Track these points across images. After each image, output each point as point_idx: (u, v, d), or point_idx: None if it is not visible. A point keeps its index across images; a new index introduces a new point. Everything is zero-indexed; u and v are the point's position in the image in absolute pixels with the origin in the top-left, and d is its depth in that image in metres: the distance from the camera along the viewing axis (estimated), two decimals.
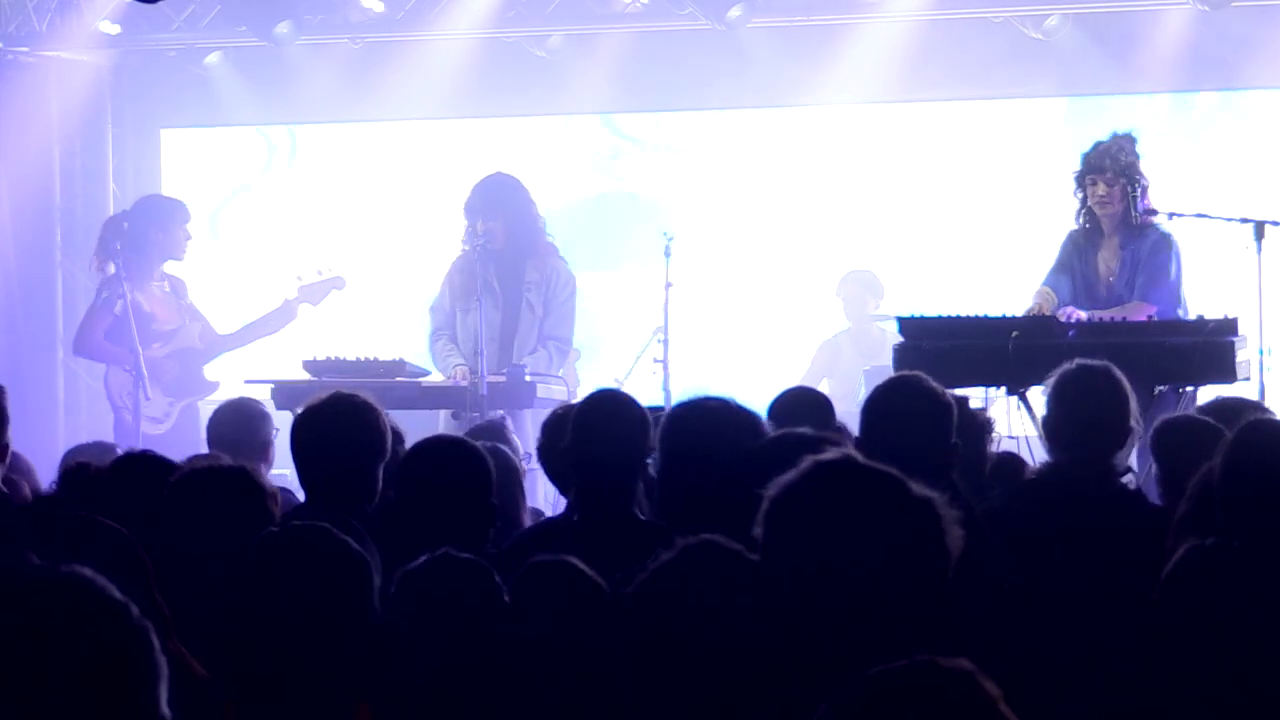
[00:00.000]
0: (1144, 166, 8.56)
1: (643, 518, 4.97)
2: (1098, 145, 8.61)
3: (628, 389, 10.22)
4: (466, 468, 4.92)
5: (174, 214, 11.09)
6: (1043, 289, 8.55)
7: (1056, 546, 4.93)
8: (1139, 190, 8.44)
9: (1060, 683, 4.35)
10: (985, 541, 4.63)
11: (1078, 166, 8.65)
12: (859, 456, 3.15)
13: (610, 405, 5.21)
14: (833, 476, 3.07)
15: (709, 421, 4.68)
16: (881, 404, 5.11)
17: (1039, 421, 5.72)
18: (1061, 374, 5.42)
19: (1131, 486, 5.49)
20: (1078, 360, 5.49)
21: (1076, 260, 8.61)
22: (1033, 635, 4.52)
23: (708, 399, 4.81)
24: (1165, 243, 8.53)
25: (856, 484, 3.05)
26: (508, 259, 9.92)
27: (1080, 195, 8.64)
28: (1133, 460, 7.20)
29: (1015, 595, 4.62)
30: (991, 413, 7.25)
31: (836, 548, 2.97)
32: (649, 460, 4.99)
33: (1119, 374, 5.38)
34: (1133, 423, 5.35)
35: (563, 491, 5.61)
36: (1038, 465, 5.55)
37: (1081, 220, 8.64)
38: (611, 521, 4.88)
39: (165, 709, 2.40)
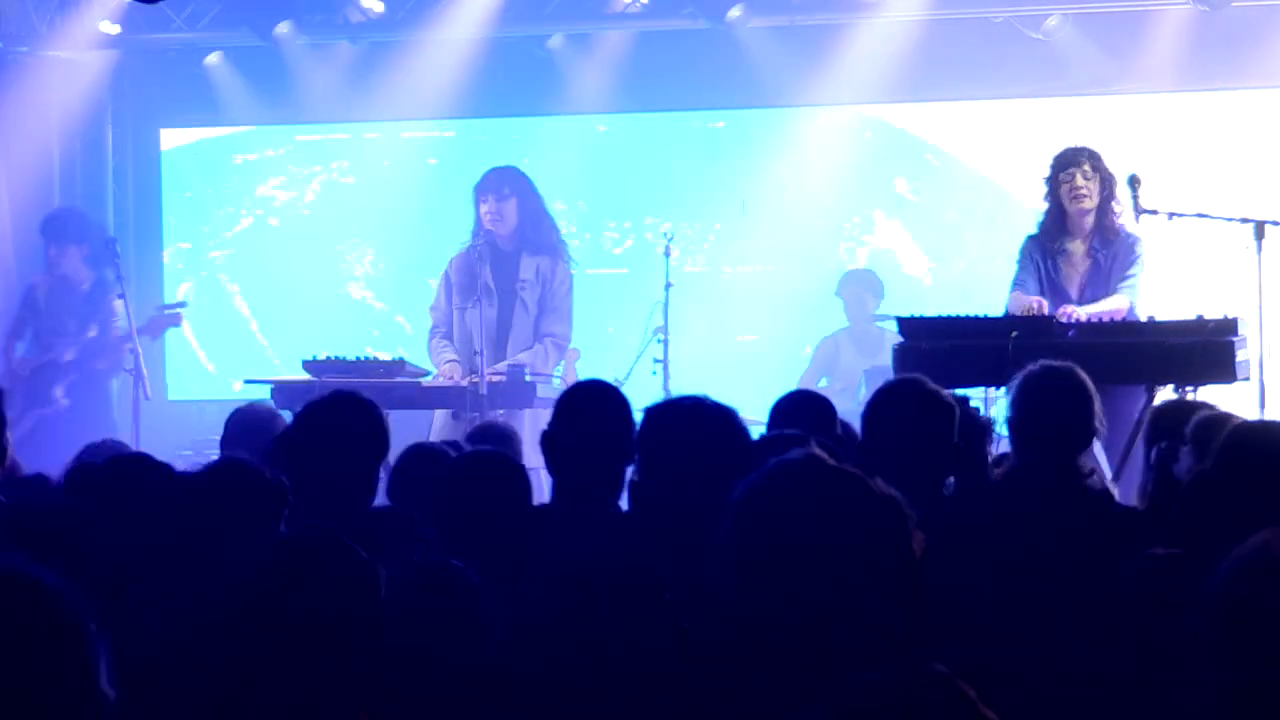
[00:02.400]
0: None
1: (625, 510, 4.97)
2: (1067, 148, 8.70)
3: (628, 389, 10.30)
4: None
5: (64, 228, 11.27)
6: (1016, 294, 8.56)
7: (1022, 546, 4.95)
8: (1113, 192, 8.49)
9: (1026, 680, 4.35)
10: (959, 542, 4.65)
11: (1046, 172, 8.71)
12: (823, 456, 3.13)
13: (594, 394, 5.21)
14: (794, 477, 3.06)
15: (685, 421, 4.66)
16: (883, 406, 5.12)
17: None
18: (1026, 375, 5.46)
19: (1097, 487, 5.53)
20: (1042, 361, 5.52)
21: (1040, 260, 8.65)
22: (996, 631, 4.53)
23: (682, 398, 4.80)
24: (1134, 248, 8.59)
25: (819, 484, 3.03)
26: (505, 255, 9.93)
27: (1050, 199, 8.68)
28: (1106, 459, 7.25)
29: (981, 594, 4.63)
30: (992, 413, 7.26)
31: (800, 549, 2.96)
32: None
33: (1083, 374, 5.42)
34: (1097, 423, 5.39)
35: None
36: (1004, 466, 5.58)
37: (1046, 221, 8.69)
38: (591, 512, 4.88)
39: (106, 686, 2.43)
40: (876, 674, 2.42)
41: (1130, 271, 8.59)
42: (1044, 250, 8.67)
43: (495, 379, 9.53)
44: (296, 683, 3.52)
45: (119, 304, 10.88)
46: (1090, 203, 8.59)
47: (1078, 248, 8.64)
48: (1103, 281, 8.58)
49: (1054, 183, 8.67)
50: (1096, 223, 8.61)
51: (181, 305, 11.25)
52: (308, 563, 3.64)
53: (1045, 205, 8.73)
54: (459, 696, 3.82)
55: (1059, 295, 8.57)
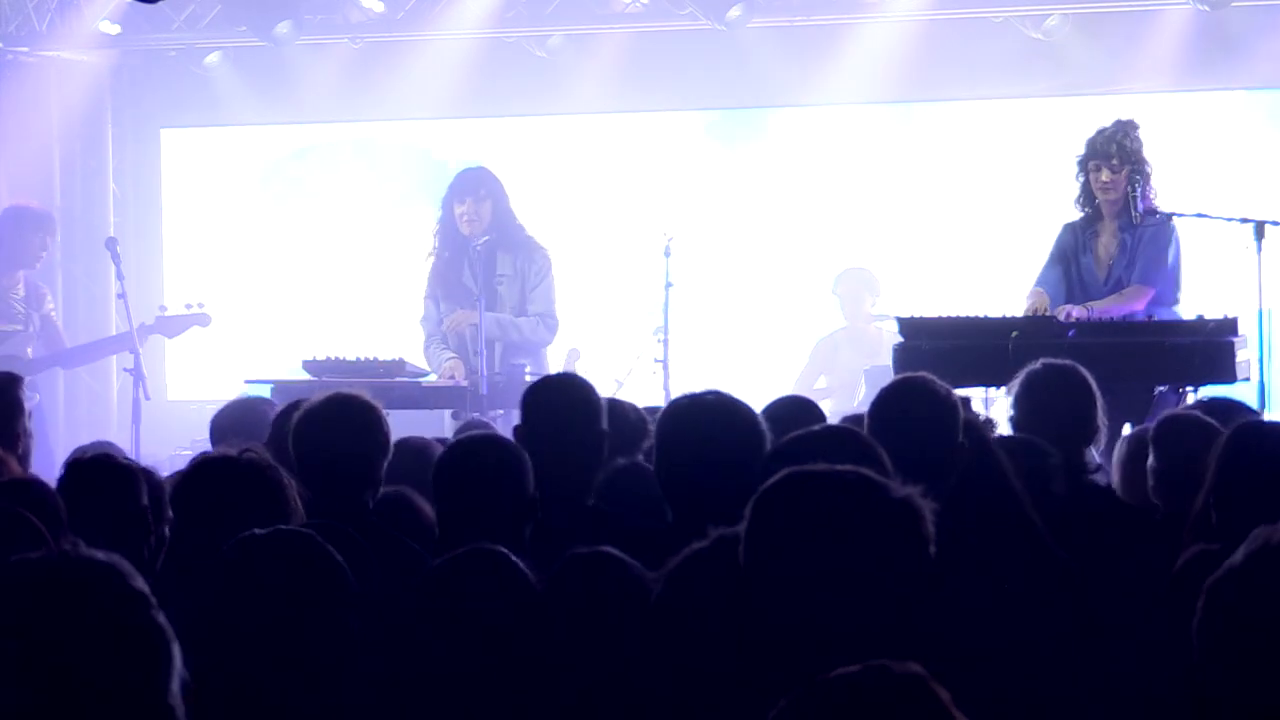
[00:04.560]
0: (1147, 154, 8.54)
1: (593, 505, 4.94)
2: (1102, 131, 8.57)
3: (628, 389, 10.29)
4: (504, 462, 4.83)
5: (30, 222, 11.21)
6: (1035, 290, 8.52)
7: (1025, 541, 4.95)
8: (1141, 180, 8.41)
9: (1027, 677, 4.35)
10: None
11: (1081, 151, 8.61)
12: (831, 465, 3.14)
13: (557, 389, 5.20)
14: (812, 484, 3.05)
15: (707, 417, 4.67)
16: (889, 405, 5.11)
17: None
18: (1029, 374, 5.51)
19: (1101, 483, 5.55)
20: (1044, 360, 5.55)
21: (1074, 249, 8.59)
22: (1000, 627, 4.53)
23: (705, 394, 4.82)
24: (1165, 228, 8.50)
25: (837, 490, 3.03)
26: (480, 255, 9.92)
27: (1082, 179, 8.60)
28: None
29: (984, 589, 4.63)
30: (992, 413, 7.25)
31: (820, 555, 2.96)
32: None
33: (1085, 373, 5.46)
34: (1099, 421, 5.41)
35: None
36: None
37: (1081, 206, 8.61)
38: (565, 512, 4.86)
39: (173, 700, 2.39)
40: (849, 670, 2.40)
41: (1157, 257, 8.44)
42: (1076, 235, 8.61)
43: (495, 379, 9.55)
44: (258, 682, 3.49)
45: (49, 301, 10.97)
46: (1116, 193, 8.51)
47: (1108, 228, 8.58)
48: (1129, 264, 8.50)
49: (1085, 168, 8.58)
50: (1125, 209, 8.52)
51: (200, 306, 11.13)
52: (272, 561, 3.61)
53: (1079, 184, 8.62)
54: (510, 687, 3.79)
55: (1091, 279, 8.51)
